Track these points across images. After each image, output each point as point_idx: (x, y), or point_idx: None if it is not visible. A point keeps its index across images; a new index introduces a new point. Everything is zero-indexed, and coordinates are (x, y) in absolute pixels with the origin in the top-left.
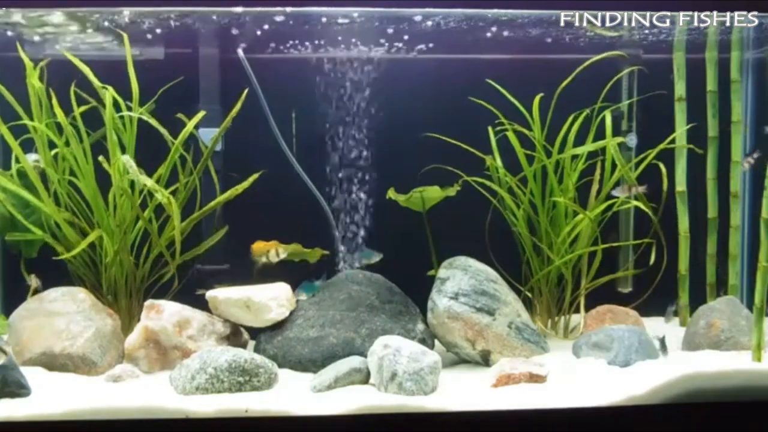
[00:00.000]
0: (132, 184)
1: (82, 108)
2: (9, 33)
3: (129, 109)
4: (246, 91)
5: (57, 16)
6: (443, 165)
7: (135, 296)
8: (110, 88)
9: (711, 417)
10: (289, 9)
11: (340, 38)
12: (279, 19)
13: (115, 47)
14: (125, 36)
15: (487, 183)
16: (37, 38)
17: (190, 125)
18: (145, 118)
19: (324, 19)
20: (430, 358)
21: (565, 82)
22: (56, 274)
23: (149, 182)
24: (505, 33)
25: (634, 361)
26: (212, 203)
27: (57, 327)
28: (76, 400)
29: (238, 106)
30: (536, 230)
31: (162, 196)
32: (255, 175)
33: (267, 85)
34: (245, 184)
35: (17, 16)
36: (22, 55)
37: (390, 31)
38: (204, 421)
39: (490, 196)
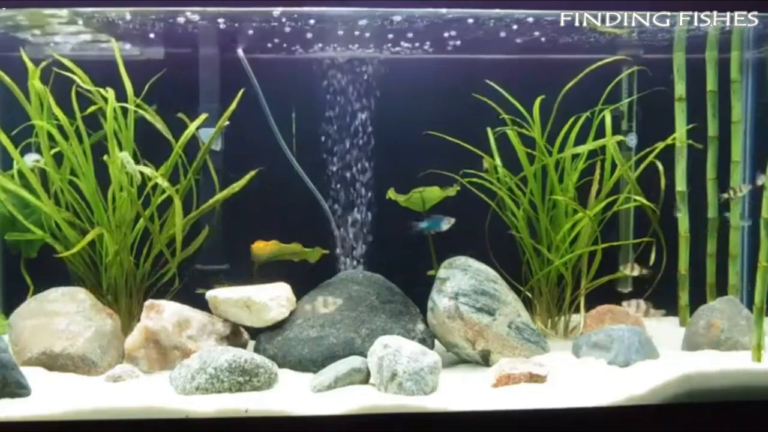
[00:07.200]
0: (131, 181)
1: (88, 110)
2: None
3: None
4: (242, 91)
5: (58, 15)
6: (444, 165)
7: (135, 296)
8: (98, 92)
9: (711, 417)
10: (307, 8)
11: (339, 38)
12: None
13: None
14: (113, 39)
15: (486, 184)
16: (40, 40)
17: (193, 127)
18: (146, 116)
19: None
20: (430, 358)
21: (568, 86)
22: (56, 274)
23: (148, 171)
24: (506, 33)
25: (634, 361)
26: (210, 201)
27: (57, 327)
28: (76, 400)
29: (234, 105)
30: (536, 230)
31: (164, 183)
32: (252, 173)
33: (266, 85)
34: (242, 182)
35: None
36: (24, 56)
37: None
38: (204, 421)
39: (488, 199)
